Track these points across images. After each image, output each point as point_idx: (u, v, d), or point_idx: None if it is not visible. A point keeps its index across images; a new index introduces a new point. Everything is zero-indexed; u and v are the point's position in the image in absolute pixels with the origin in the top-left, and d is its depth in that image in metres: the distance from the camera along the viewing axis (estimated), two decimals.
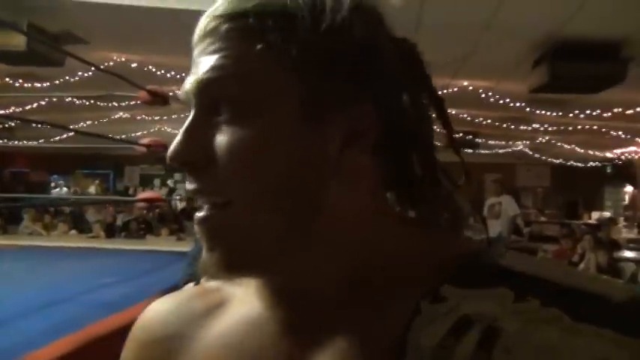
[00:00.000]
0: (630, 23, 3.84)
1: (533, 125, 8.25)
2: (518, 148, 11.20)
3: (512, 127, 8.41)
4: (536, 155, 11.81)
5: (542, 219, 12.23)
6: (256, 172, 0.45)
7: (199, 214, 0.47)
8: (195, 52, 0.48)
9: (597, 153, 11.19)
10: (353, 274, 0.49)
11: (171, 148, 0.46)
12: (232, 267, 0.48)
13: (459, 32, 4.13)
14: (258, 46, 0.45)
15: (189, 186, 0.48)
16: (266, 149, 0.45)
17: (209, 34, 0.47)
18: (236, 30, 0.46)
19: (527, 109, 6.72)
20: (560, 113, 7.05)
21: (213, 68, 0.45)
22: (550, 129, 8.48)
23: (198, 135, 0.46)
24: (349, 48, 0.46)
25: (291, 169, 0.46)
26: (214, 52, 0.46)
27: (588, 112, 6.83)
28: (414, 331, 0.43)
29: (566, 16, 3.73)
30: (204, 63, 0.46)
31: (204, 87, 0.46)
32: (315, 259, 0.49)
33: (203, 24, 0.48)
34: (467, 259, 0.47)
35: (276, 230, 0.47)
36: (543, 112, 6.89)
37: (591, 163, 12.65)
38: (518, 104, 6.45)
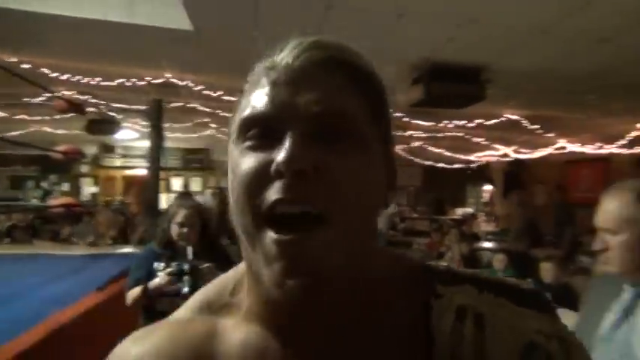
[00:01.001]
0: (488, 53, 4.55)
1: (409, 131, 8.87)
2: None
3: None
4: (410, 157, 12.63)
5: (415, 215, 12.91)
6: (361, 192, 0.49)
7: (285, 237, 0.47)
8: (291, 78, 0.50)
9: (462, 156, 11.93)
10: (369, 286, 0.55)
11: (286, 154, 0.46)
12: (310, 291, 0.47)
13: None
14: (353, 90, 0.51)
15: (282, 195, 0.47)
16: (371, 180, 0.51)
17: (313, 70, 0.51)
18: (341, 74, 0.51)
19: (405, 119, 7.29)
20: (433, 122, 7.71)
21: (332, 103, 0.49)
22: (423, 135, 9.13)
23: (310, 150, 0.47)
24: (387, 103, 0.56)
25: (379, 200, 0.53)
26: (321, 86, 0.50)
27: (456, 122, 7.58)
28: (434, 319, 0.54)
29: (439, 45, 4.34)
30: (312, 94, 0.49)
31: (323, 116, 0.49)
32: (360, 276, 0.54)
33: (305, 60, 0.51)
34: (427, 267, 0.60)
35: (354, 249, 0.50)
36: (419, 121, 7.49)
37: (456, 165, 13.35)
38: (397, 114, 6.97)
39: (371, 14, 3.60)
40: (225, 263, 2.90)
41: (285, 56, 0.52)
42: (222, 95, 6.27)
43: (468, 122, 7.49)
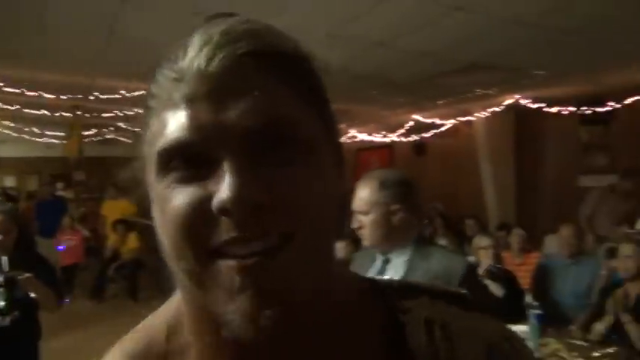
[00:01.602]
0: None
1: None
2: None
3: None
4: None
5: None
6: (319, 205, 0.42)
7: (248, 261, 0.39)
8: (209, 89, 0.40)
9: None
10: (336, 307, 0.50)
11: (231, 190, 0.38)
12: (287, 320, 0.40)
13: (85, 37, 4.30)
14: (288, 85, 0.42)
15: (234, 234, 0.39)
16: (326, 187, 0.44)
17: (236, 72, 0.40)
18: (268, 69, 0.42)
19: None
20: None
21: (269, 109, 0.40)
22: None
23: (257, 175, 0.39)
24: (323, 85, 0.48)
25: (335, 202, 0.46)
26: (252, 92, 0.40)
27: None
28: (409, 335, 0.51)
29: None
30: (243, 104, 0.40)
31: (262, 129, 0.40)
32: (329, 298, 0.49)
33: (222, 62, 0.41)
34: (374, 282, 0.58)
35: (320, 266, 0.44)
36: None
37: None
38: None
39: (166, 12, 3.60)
40: (44, 272, 2.74)
41: (193, 59, 0.41)
42: (4, 87, 5.70)
43: None
